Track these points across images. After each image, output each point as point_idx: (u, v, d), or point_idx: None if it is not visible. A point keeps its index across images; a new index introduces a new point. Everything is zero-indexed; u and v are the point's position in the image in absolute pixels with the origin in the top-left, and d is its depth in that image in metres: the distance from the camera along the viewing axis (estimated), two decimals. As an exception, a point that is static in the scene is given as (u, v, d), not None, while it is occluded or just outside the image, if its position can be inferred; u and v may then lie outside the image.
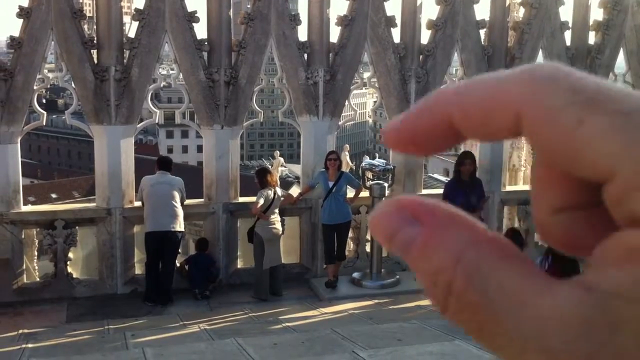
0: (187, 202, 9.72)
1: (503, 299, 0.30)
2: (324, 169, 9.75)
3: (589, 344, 0.28)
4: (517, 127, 0.31)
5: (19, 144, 9.33)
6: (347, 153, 10.88)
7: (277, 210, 9.52)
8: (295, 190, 11.08)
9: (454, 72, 11.53)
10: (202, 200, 10.25)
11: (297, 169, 15.92)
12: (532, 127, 0.31)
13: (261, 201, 9.30)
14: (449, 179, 10.75)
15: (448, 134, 0.34)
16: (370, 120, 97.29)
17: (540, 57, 11.22)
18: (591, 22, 11.41)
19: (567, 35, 11.23)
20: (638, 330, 0.27)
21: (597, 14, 11.50)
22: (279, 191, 9.65)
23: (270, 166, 10.88)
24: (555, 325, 0.29)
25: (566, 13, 11.27)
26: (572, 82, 0.31)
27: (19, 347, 7.31)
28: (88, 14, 10.92)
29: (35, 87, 9.26)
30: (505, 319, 0.30)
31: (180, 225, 9.31)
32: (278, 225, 9.53)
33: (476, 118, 0.33)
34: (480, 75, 0.34)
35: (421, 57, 10.57)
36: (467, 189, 9.14)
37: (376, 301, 9.55)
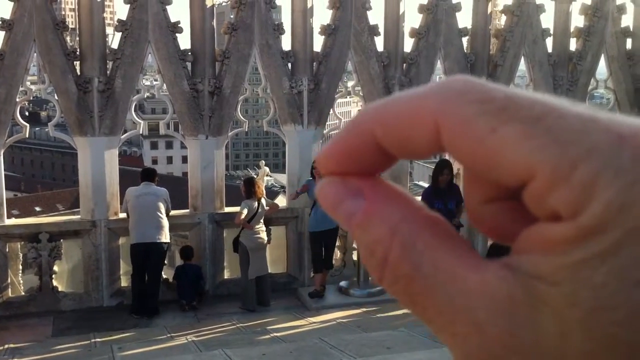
0: (173, 212, 9.68)
1: (435, 273, 0.32)
2: (310, 178, 9.75)
3: (511, 319, 0.30)
4: (437, 140, 0.32)
5: (2, 157, 9.26)
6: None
7: (262, 220, 9.49)
8: (281, 200, 11.06)
9: (437, 80, 11.58)
10: (187, 210, 10.21)
11: (282, 178, 15.94)
12: (449, 138, 0.32)
13: (245, 212, 9.28)
14: (427, 186, 10.70)
15: (376, 154, 0.35)
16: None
17: (522, 64, 11.31)
18: (572, 29, 11.51)
19: (549, 42, 11.32)
20: (555, 311, 0.29)
21: (578, 20, 11.64)
22: (264, 202, 9.62)
23: (255, 176, 10.86)
24: (482, 300, 0.31)
25: (547, 20, 11.38)
26: (481, 93, 0.32)
27: (4, 362, 7.24)
28: (71, 26, 10.87)
29: (17, 100, 9.21)
30: (437, 293, 0.32)
31: (165, 237, 9.27)
32: (263, 235, 9.49)
33: (397, 133, 0.34)
34: (400, 91, 0.35)
35: (404, 65, 10.62)
36: (443, 196, 9.21)
37: (364, 309, 9.54)
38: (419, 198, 11.82)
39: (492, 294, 0.31)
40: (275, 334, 8.16)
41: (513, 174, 0.31)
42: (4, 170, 9.51)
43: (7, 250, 9.34)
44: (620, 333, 0.28)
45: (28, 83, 9.37)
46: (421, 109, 0.33)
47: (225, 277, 10.33)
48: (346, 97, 11.99)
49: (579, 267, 0.29)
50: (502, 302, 0.30)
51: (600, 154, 0.29)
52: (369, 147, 0.35)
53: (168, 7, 9.54)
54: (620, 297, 0.28)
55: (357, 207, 0.34)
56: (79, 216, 9.96)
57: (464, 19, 11.05)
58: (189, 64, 9.80)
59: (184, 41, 9.83)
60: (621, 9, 11.63)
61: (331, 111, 10.63)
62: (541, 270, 0.30)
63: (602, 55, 11.62)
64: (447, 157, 11.33)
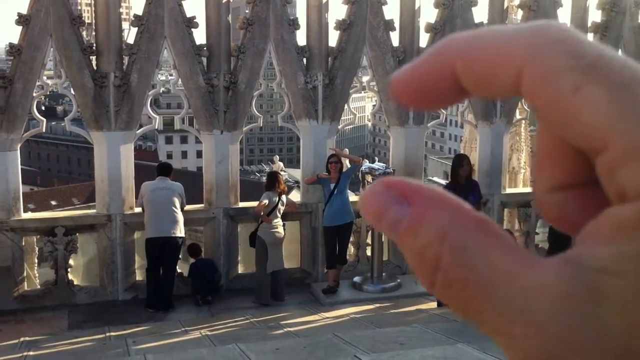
0: (187, 207, 9.71)
1: (490, 273, 0.31)
2: (326, 173, 9.77)
3: (574, 316, 0.29)
4: (517, 85, 0.31)
5: (18, 151, 9.33)
6: (346, 159, 10.86)
7: (279, 215, 9.54)
8: (295, 195, 11.07)
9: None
10: (202, 205, 10.24)
11: (297, 173, 15.94)
12: (531, 86, 0.31)
13: (265, 201, 9.33)
14: (446, 182, 10.70)
15: (452, 87, 0.34)
16: (370, 124, 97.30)
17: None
18: (589, 24, 11.42)
19: (566, 37, 11.22)
20: (620, 304, 0.28)
21: (595, 15, 11.54)
22: (284, 198, 9.68)
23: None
24: (542, 298, 0.29)
25: (564, 15, 11.31)
26: (575, 47, 0.30)
27: (20, 354, 7.29)
28: (87, 21, 10.93)
29: (34, 94, 9.26)
30: (493, 294, 0.30)
31: (180, 231, 9.31)
32: (280, 229, 9.54)
33: (479, 70, 0.32)
34: (488, 27, 0.33)
35: (420, 60, 10.56)
36: (464, 191, 9.11)
37: (377, 305, 9.54)
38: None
39: (551, 291, 0.29)
40: (288, 329, 8.17)
41: (587, 138, 0.30)
42: (21, 164, 9.59)
43: (23, 243, 9.41)
44: None
45: (45, 78, 9.42)
46: (509, 49, 0.31)
47: (239, 271, 10.36)
48: (361, 93, 11.97)
49: None
50: (563, 299, 0.29)
51: None
52: (445, 78, 0.33)
53: (184, 2, 9.56)
54: None
55: (403, 213, 0.33)
56: (94, 210, 10.01)
57: (480, 13, 11.00)
58: (204, 59, 9.82)
59: (200, 36, 9.87)
60: (639, 4, 11.52)
61: (346, 106, 10.62)
62: (604, 261, 0.29)
63: (620, 51, 11.53)
64: (463, 152, 11.33)
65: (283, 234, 9.61)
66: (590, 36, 11.38)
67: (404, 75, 0.35)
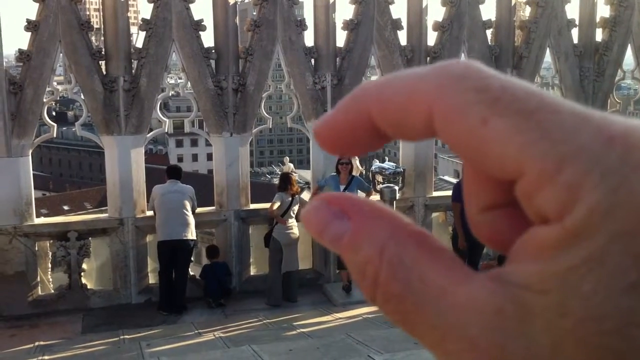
0: (199, 210, 9.74)
1: (424, 289, 0.31)
2: (334, 174, 9.77)
3: (502, 333, 0.29)
4: (431, 125, 0.32)
5: (30, 157, 9.38)
6: (356, 157, 10.86)
7: (293, 215, 9.55)
8: (306, 196, 11.07)
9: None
10: (213, 208, 10.26)
11: (307, 174, 15.96)
12: (442, 125, 0.31)
13: (277, 203, 9.34)
14: (457, 180, 10.70)
15: (371, 132, 0.34)
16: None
17: (547, 56, 11.21)
18: (598, 19, 11.37)
19: (575, 33, 11.19)
20: (545, 321, 0.28)
21: (603, 10, 11.49)
22: (298, 198, 9.69)
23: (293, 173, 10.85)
24: (472, 314, 0.30)
25: (573, 10, 11.26)
26: (478, 81, 0.31)
27: (35, 359, 7.34)
28: (95, 26, 10.97)
29: (44, 100, 9.31)
30: (427, 308, 0.31)
31: (192, 234, 9.33)
32: (295, 230, 9.55)
33: (392, 114, 0.33)
34: (400, 70, 0.34)
35: (428, 58, 10.57)
36: None
37: (390, 304, 9.51)
38: (444, 193, 11.76)
39: (480, 308, 0.30)
40: (302, 330, 8.18)
41: (502, 168, 0.30)
42: (33, 169, 9.64)
43: (36, 248, 9.46)
44: (610, 342, 0.27)
45: (55, 83, 9.47)
46: (417, 92, 0.32)
47: (252, 273, 10.37)
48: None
49: (567, 274, 0.28)
50: (492, 316, 0.30)
51: (589, 154, 0.28)
52: (364, 125, 0.34)
53: (191, 6, 9.58)
54: (609, 306, 0.27)
55: (344, 228, 0.33)
56: (106, 214, 10.06)
57: (488, 11, 10.98)
58: (212, 62, 9.84)
59: (208, 39, 9.89)
60: (648, -2, 11.46)
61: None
62: (530, 279, 0.29)
63: (629, 46, 11.47)
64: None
65: (298, 234, 9.61)
66: (599, 32, 11.34)
67: (324, 125, 0.35)
